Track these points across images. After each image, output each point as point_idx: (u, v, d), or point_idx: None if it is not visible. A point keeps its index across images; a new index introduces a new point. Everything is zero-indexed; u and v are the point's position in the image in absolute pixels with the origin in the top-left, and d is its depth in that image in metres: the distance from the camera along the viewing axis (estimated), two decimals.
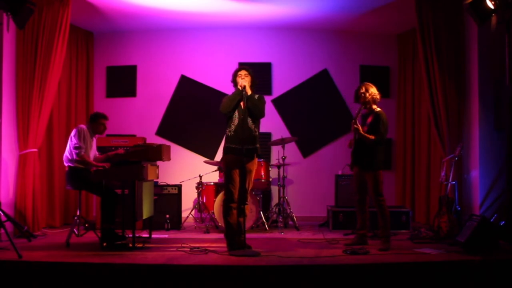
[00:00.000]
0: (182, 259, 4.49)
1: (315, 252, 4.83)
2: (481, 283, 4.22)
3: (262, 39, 7.83)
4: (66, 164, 5.37)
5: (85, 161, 5.23)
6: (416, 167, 7.34)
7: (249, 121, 4.94)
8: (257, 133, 5.01)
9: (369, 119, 5.20)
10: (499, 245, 4.89)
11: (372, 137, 5.06)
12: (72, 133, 5.33)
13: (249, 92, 4.92)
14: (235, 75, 5.05)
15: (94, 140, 5.58)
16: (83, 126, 5.38)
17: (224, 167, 5.01)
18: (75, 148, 5.22)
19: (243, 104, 4.91)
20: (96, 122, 5.47)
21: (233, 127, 4.93)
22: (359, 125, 5.09)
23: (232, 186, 4.90)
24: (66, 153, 5.35)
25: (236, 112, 4.94)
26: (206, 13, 7.05)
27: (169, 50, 7.85)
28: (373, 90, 5.22)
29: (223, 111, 4.96)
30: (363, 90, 5.22)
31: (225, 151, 4.98)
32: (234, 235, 4.87)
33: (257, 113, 4.97)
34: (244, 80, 4.95)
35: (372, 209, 5.23)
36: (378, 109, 5.22)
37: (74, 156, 5.22)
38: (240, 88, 4.93)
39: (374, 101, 5.22)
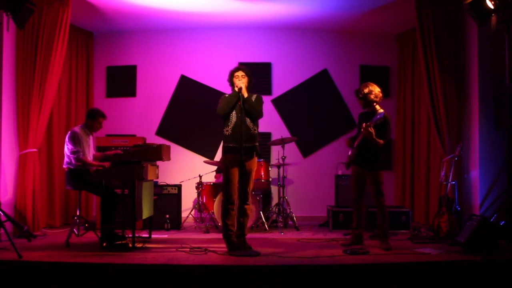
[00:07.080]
0: (182, 259, 4.50)
1: (315, 252, 4.83)
2: (481, 283, 4.21)
3: (262, 39, 7.83)
4: (65, 166, 5.37)
5: (85, 163, 5.23)
6: (415, 167, 7.34)
7: (247, 119, 4.93)
8: (256, 131, 5.00)
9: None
10: (499, 245, 4.89)
11: (381, 141, 5.02)
12: (66, 138, 5.32)
13: (245, 94, 4.90)
14: (231, 75, 5.04)
15: (91, 138, 5.55)
16: (76, 129, 5.35)
17: (223, 168, 5.00)
18: (73, 153, 5.21)
19: (241, 103, 4.89)
20: (95, 120, 5.44)
21: (230, 126, 4.90)
22: (373, 130, 4.99)
23: (231, 187, 4.88)
24: (65, 157, 5.35)
25: (234, 112, 4.92)
26: (206, 13, 7.05)
27: (169, 50, 7.84)
28: (377, 90, 5.17)
29: (220, 113, 4.95)
30: (367, 91, 5.15)
31: (224, 151, 4.97)
32: (233, 236, 4.88)
33: (254, 114, 4.95)
34: (241, 82, 4.93)
35: (371, 209, 5.22)
36: (382, 110, 5.13)
37: (73, 161, 5.22)
38: (236, 89, 4.92)
39: (377, 101, 5.17)
